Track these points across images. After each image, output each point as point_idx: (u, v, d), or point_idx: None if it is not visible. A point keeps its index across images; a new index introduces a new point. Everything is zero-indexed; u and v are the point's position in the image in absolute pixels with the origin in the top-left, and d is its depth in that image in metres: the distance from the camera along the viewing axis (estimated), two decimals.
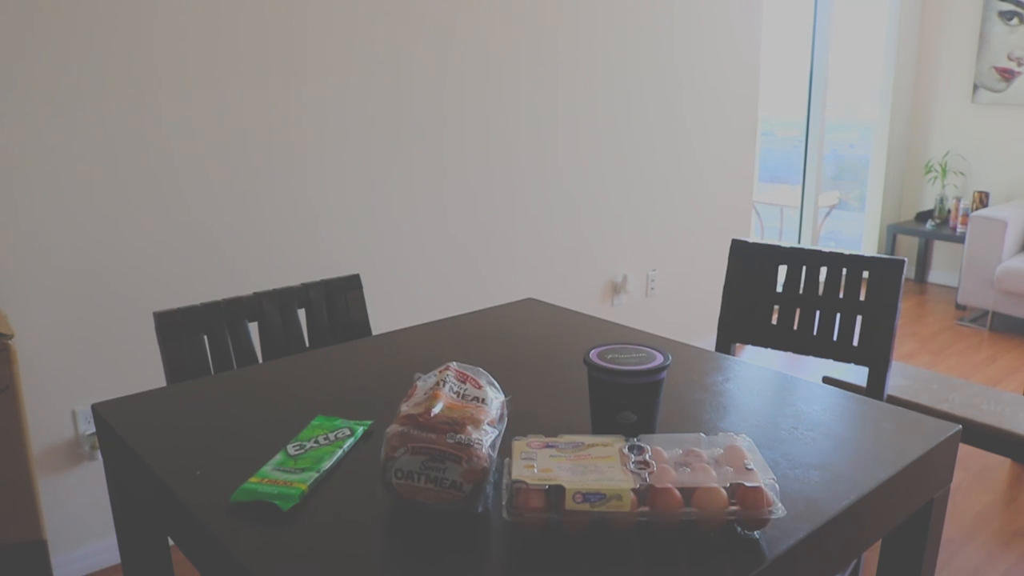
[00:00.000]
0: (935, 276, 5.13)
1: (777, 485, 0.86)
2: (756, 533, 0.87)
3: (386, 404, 1.25)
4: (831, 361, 1.85)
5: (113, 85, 1.98)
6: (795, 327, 1.89)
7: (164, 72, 2.05)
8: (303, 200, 2.36)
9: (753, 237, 4.66)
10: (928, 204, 5.09)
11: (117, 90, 1.99)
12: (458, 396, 1.00)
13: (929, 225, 4.81)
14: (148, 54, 2.01)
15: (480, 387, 1.04)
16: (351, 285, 1.76)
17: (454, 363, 1.08)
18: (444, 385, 1.01)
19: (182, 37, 2.06)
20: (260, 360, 1.62)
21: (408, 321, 2.70)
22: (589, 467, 0.89)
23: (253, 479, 0.98)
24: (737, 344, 1.98)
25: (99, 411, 1.23)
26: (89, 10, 1.91)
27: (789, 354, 3.80)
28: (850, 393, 1.27)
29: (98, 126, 1.97)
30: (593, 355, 1.07)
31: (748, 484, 0.85)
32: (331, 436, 1.10)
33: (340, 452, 1.07)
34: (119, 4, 1.95)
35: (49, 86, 1.89)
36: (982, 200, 4.70)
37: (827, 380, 2.61)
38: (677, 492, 0.85)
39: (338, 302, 1.73)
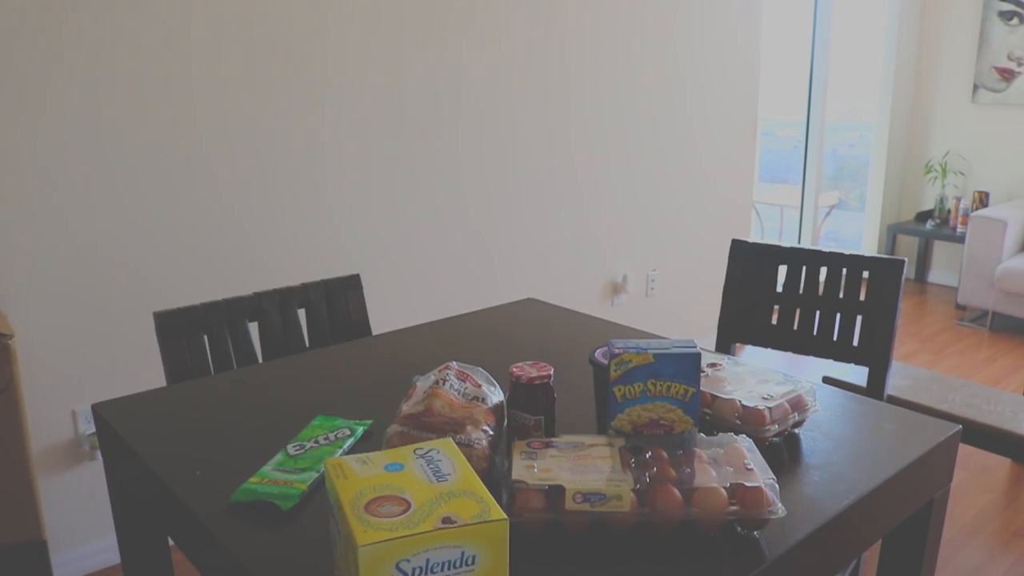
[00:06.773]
0: (935, 276, 5.13)
1: (777, 485, 0.86)
2: (756, 533, 0.87)
3: (386, 404, 1.25)
4: (831, 361, 1.85)
5: (114, 86, 1.98)
6: (795, 327, 1.89)
7: (163, 73, 2.05)
8: (303, 200, 2.36)
9: (753, 237, 4.66)
10: (928, 204, 5.08)
11: (117, 91, 1.99)
12: (458, 395, 1.00)
13: (929, 225, 4.80)
14: (149, 54, 2.01)
15: (480, 387, 1.04)
16: (351, 285, 1.76)
17: (454, 363, 1.08)
18: (444, 384, 1.01)
19: (182, 36, 2.06)
20: (260, 360, 1.62)
21: (408, 321, 2.70)
22: (589, 467, 0.89)
23: (253, 479, 0.98)
24: (737, 344, 1.98)
25: (99, 411, 1.23)
26: (86, 9, 1.91)
27: (789, 354, 3.79)
28: (850, 393, 1.27)
29: (97, 126, 1.97)
30: (598, 355, 1.08)
31: (748, 484, 0.85)
32: (331, 436, 1.10)
33: (340, 452, 1.07)
34: (117, 5, 1.95)
35: (47, 86, 1.89)
36: (982, 200, 4.70)
37: (827, 380, 2.61)
38: (677, 492, 0.85)
39: (338, 302, 1.73)
